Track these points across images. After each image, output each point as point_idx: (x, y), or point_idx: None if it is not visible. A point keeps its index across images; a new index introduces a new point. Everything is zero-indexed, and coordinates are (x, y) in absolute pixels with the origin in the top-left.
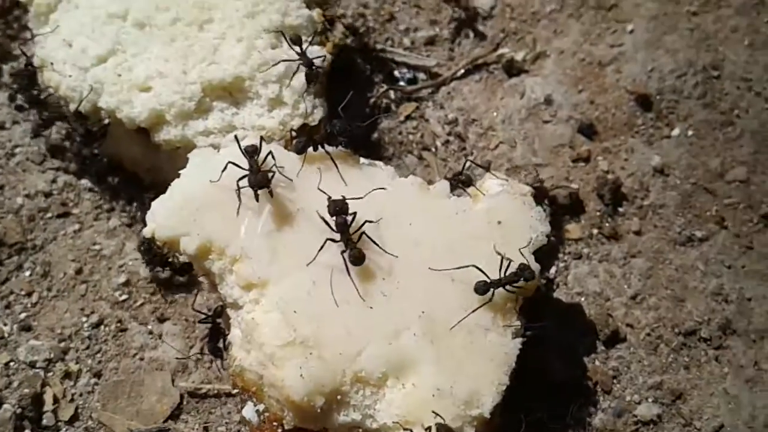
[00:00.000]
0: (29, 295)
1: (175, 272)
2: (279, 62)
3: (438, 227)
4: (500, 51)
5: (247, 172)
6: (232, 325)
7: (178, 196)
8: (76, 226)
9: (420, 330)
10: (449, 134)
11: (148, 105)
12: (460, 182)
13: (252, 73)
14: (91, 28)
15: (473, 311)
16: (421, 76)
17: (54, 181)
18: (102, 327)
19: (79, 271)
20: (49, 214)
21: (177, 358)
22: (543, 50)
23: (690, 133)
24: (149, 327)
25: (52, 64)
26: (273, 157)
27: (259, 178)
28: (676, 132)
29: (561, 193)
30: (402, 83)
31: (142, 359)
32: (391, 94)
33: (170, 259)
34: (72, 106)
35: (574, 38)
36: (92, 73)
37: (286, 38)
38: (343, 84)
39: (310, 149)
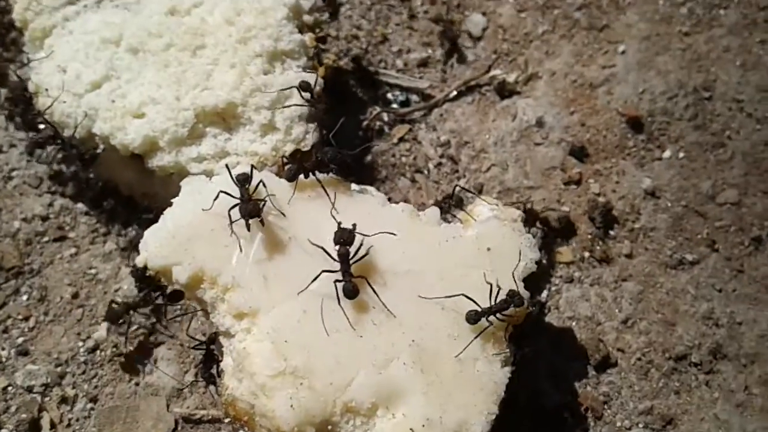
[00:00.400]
0: (26, 319)
1: (169, 299)
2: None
3: (428, 255)
4: (492, 73)
5: (238, 201)
6: (224, 353)
7: (170, 225)
8: (73, 250)
9: (410, 359)
10: (442, 156)
11: (141, 132)
12: (451, 206)
13: (244, 99)
14: (85, 53)
15: (470, 343)
16: (414, 98)
17: (51, 204)
18: (98, 352)
19: (75, 296)
20: (45, 238)
21: (176, 388)
22: (535, 72)
23: (681, 155)
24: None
25: (47, 90)
26: (264, 185)
27: (250, 208)
28: (667, 154)
29: (552, 216)
30: (395, 105)
31: (137, 384)
32: (384, 116)
33: (163, 287)
34: (67, 132)
35: (565, 59)
36: (86, 99)
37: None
38: (337, 106)
39: (302, 176)
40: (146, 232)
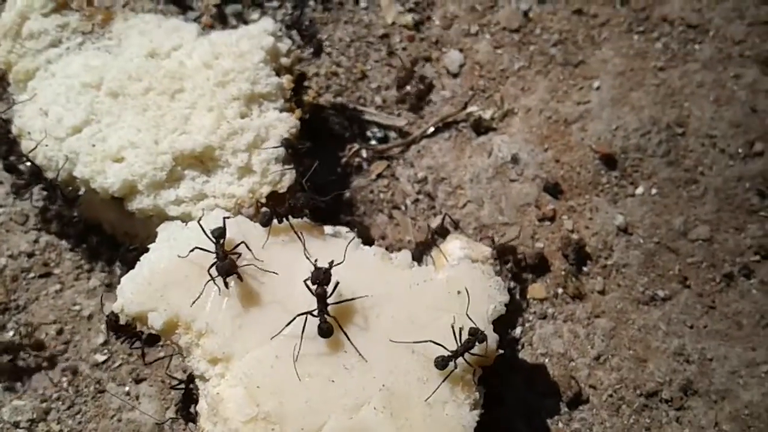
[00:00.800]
0: (14, 355)
1: (146, 343)
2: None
3: (399, 298)
4: (469, 109)
5: (214, 254)
6: (200, 395)
7: (146, 272)
8: (58, 286)
9: (380, 403)
10: (419, 193)
11: (120, 176)
12: (435, 242)
13: (222, 143)
14: (66, 97)
15: (438, 387)
16: (393, 134)
17: (36, 241)
18: (82, 388)
19: (60, 332)
20: (31, 274)
21: (157, 424)
22: (510, 108)
23: (654, 191)
24: (126, 388)
25: (29, 133)
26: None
27: (227, 266)
28: (640, 190)
29: (527, 252)
30: (373, 142)
31: (119, 420)
32: (363, 152)
33: (138, 333)
34: (50, 174)
35: (540, 96)
36: (67, 143)
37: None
38: (316, 142)
39: (275, 221)
40: (123, 279)
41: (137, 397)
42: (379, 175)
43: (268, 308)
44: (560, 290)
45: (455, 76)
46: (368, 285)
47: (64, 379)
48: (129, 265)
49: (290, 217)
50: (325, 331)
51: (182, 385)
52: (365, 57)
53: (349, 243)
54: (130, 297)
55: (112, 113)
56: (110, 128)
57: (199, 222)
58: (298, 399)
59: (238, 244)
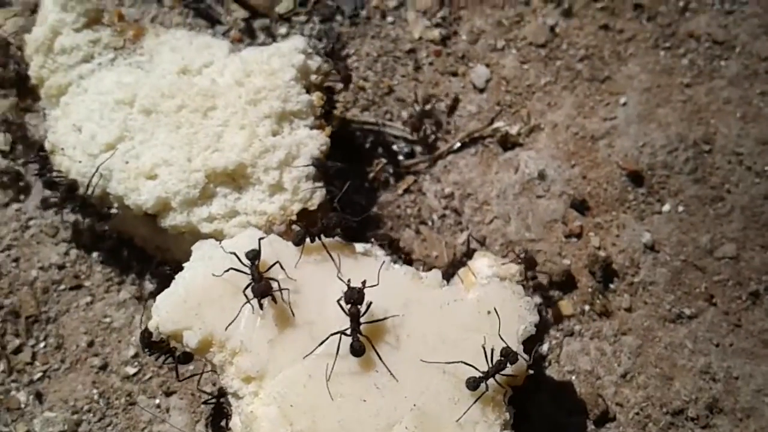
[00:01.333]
0: (44, 366)
1: (180, 361)
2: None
3: (429, 318)
4: (495, 125)
5: (248, 274)
6: (233, 412)
7: (182, 290)
8: (88, 299)
9: (412, 423)
10: (446, 208)
11: (154, 193)
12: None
13: (253, 160)
14: (99, 114)
15: (469, 408)
16: (419, 149)
17: (67, 253)
18: (113, 400)
19: (90, 344)
20: (62, 286)
21: None
22: (537, 123)
23: (680, 208)
24: (157, 401)
25: (62, 149)
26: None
27: (262, 288)
28: (666, 208)
29: (553, 269)
30: (400, 157)
31: None
32: (390, 167)
33: (172, 349)
34: (82, 190)
35: (567, 111)
36: (100, 159)
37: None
38: (342, 157)
39: (308, 240)
40: (158, 297)
41: (167, 410)
42: (406, 191)
43: (301, 327)
44: (587, 307)
45: (481, 91)
46: (399, 304)
47: (95, 391)
48: (159, 279)
49: (323, 236)
50: (357, 350)
51: (213, 400)
52: (392, 72)
53: (381, 266)
54: (165, 315)
55: (145, 130)
56: (143, 145)
57: (234, 254)
58: (331, 418)
59: (273, 265)
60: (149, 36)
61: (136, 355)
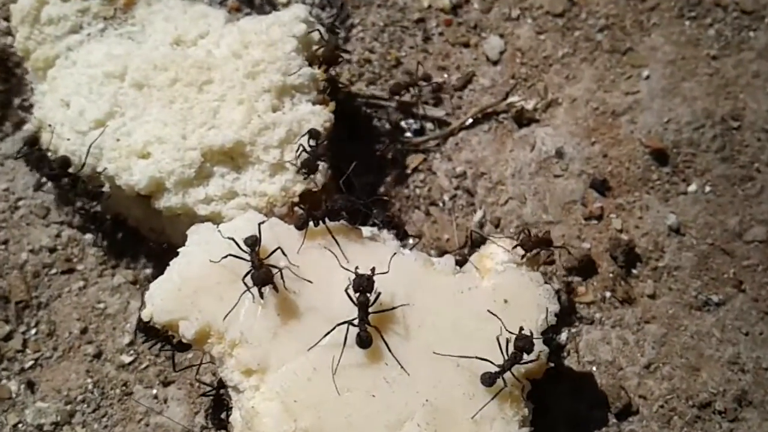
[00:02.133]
0: (35, 354)
1: (177, 349)
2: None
3: (442, 307)
4: (510, 99)
5: (248, 260)
6: (233, 406)
7: (177, 278)
8: (81, 283)
9: (424, 420)
10: (457, 188)
11: (147, 172)
12: (468, 254)
13: (253, 138)
14: (88, 88)
15: (486, 404)
16: (429, 126)
17: (58, 235)
18: (108, 390)
19: (84, 331)
20: (53, 270)
21: (186, 429)
22: (554, 98)
23: (707, 189)
24: (154, 391)
25: (50, 125)
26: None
27: (263, 276)
28: (692, 188)
29: (572, 253)
30: (409, 134)
31: (147, 425)
32: (398, 145)
33: (169, 337)
34: (71, 169)
35: (586, 85)
36: (90, 137)
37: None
38: (349, 135)
39: (311, 224)
40: (152, 285)
41: (165, 401)
42: (415, 170)
43: (304, 317)
44: (608, 294)
45: (495, 63)
46: (409, 292)
47: (89, 380)
48: (156, 259)
49: (327, 219)
50: (365, 341)
51: (213, 391)
52: (399, 43)
53: (392, 253)
54: (160, 304)
55: (136, 105)
56: (135, 122)
57: (233, 239)
58: (338, 414)
59: (274, 251)
60: (141, 5)
61: (131, 343)
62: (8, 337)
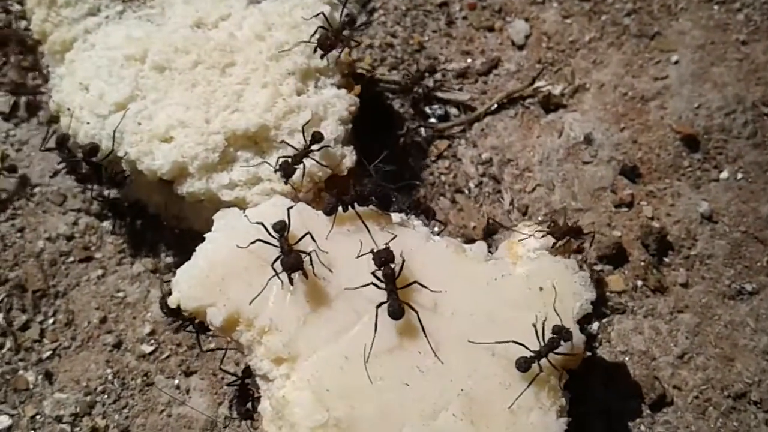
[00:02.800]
0: (53, 344)
1: (201, 330)
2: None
3: (475, 295)
4: (537, 84)
5: (277, 246)
6: (262, 395)
7: (204, 263)
8: (100, 272)
9: (459, 410)
10: (483, 175)
11: (170, 157)
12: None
13: (277, 122)
14: (108, 71)
15: (523, 392)
16: (453, 111)
17: (75, 223)
18: (128, 380)
19: (103, 320)
20: (71, 259)
21: (209, 420)
22: (582, 83)
23: (739, 176)
24: (176, 381)
25: (68, 109)
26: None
27: (293, 261)
28: (724, 175)
29: (603, 241)
30: (433, 120)
31: (169, 416)
32: (422, 131)
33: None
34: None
35: (614, 70)
36: (111, 120)
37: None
38: (371, 121)
39: (340, 209)
40: (178, 271)
41: (187, 391)
42: (440, 156)
43: (334, 304)
44: (640, 283)
45: (521, 47)
46: (441, 279)
47: (109, 370)
48: (177, 247)
49: (356, 205)
50: (396, 312)
51: (237, 381)
52: (422, 27)
53: (421, 237)
54: (186, 290)
55: (158, 89)
56: (157, 105)
57: (262, 224)
58: (371, 404)
59: (303, 236)
60: None
61: (152, 333)
62: (25, 326)
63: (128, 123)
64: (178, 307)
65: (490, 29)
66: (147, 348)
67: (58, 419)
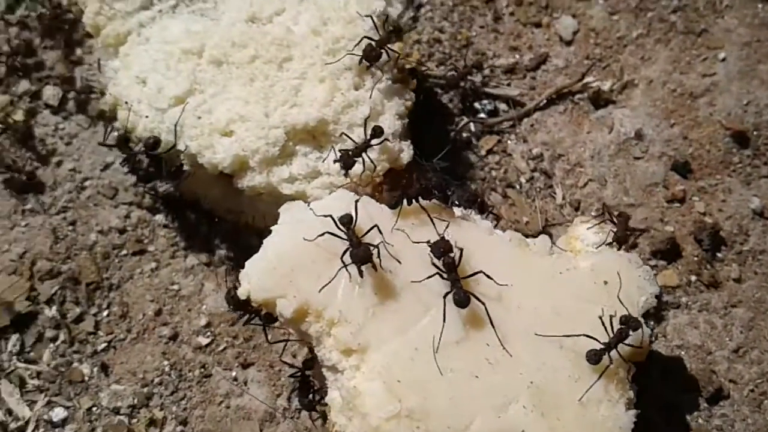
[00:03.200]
0: (108, 336)
1: (267, 321)
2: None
3: (541, 288)
4: (585, 80)
5: (345, 239)
6: (329, 387)
7: (272, 256)
8: (153, 264)
9: (530, 402)
10: (534, 170)
11: (231, 151)
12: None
13: (336, 116)
14: (165, 65)
15: (593, 384)
16: (502, 106)
17: (127, 216)
18: (185, 372)
19: (158, 312)
20: (123, 252)
21: (268, 412)
22: (630, 79)
23: None
24: (233, 373)
25: (126, 103)
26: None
27: (362, 254)
28: None
29: (656, 236)
30: (482, 115)
31: (228, 407)
32: (471, 126)
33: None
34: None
35: (662, 66)
36: (170, 114)
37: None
38: (420, 115)
39: (404, 203)
40: (247, 263)
41: (245, 383)
42: (490, 151)
43: (401, 296)
44: (693, 278)
45: (568, 43)
46: (505, 273)
47: (166, 362)
48: (231, 241)
49: (420, 198)
50: (462, 300)
51: (298, 373)
52: (469, 22)
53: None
54: (256, 282)
55: (216, 83)
56: (215, 99)
57: (331, 217)
58: (442, 395)
59: (370, 229)
60: None
61: (208, 325)
62: (79, 319)
63: (187, 117)
64: (245, 299)
65: (537, 25)
66: (203, 340)
67: (116, 411)
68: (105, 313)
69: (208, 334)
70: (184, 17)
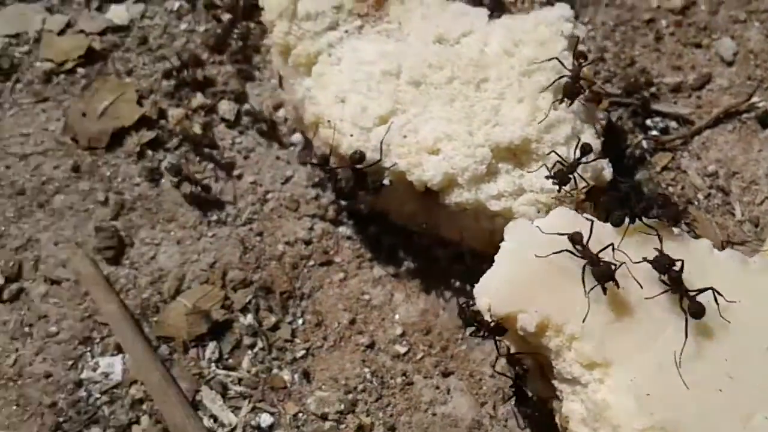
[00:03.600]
0: (305, 344)
1: (494, 334)
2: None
3: (764, 306)
4: (752, 100)
5: (580, 256)
6: (565, 398)
7: (507, 272)
8: (341, 275)
9: None
10: (710, 187)
11: (440, 168)
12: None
13: (539, 135)
14: (366, 85)
15: None
16: (672, 124)
17: (312, 228)
18: (387, 379)
19: (352, 321)
20: (311, 262)
21: (475, 419)
22: None
23: None
24: (434, 381)
25: (328, 121)
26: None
27: (605, 271)
28: None
29: None
30: (655, 132)
31: (434, 414)
32: (644, 143)
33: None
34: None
35: None
36: (375, 133)
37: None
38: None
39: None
40: (484, 277)
41: (448, 391)
42: (665, 168)
43: (636, 312)
44: None
45: (730, 64)
46: (729, 290)
47: (366, 369)
48: (420, 255)
49: (644, 217)
50: (698, 310)
51: (515, 383)
52: (632, 42)
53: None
54: (497, 297)
55: (417, 103)
56: (419, 118)
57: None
58: (690, 408)
59: (606, 247)
60: (393, 2)
61: (403, 334)
62: (275, 327)
63: (393, 135)
64: (478, 313)
65: (698, 45)
66: (401, 349)
67: (323, 417)
68: (300, 321)
69: (404, 343)
70: (371, 38)
